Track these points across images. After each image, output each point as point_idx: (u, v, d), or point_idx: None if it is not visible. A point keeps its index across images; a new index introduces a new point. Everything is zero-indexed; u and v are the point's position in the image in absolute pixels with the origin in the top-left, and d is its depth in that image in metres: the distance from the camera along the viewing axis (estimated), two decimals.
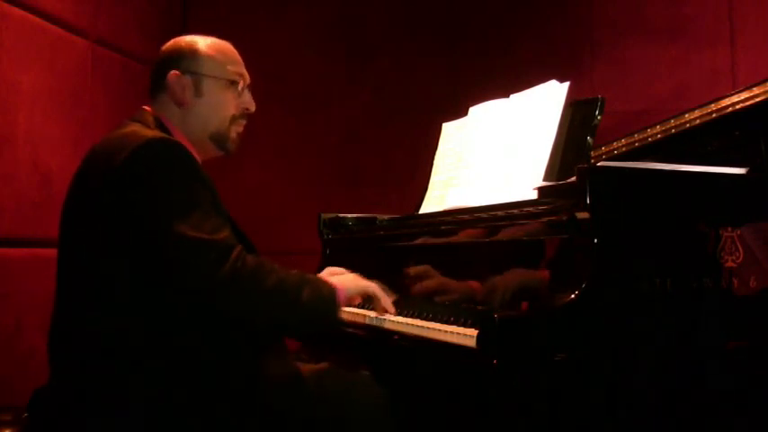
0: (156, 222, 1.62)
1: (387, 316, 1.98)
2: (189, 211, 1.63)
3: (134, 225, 1.63)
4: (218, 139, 1.94)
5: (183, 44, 1.94)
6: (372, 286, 1.97)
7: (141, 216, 1.63)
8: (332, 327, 1.85)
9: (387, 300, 1.99)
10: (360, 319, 2.06)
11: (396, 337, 1.92)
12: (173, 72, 1.89)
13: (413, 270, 2.23)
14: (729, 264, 1.69)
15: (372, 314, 2.02)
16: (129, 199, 1.64)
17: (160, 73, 1.92)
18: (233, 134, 1.96)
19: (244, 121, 1.99)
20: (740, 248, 1.70)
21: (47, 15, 3.02)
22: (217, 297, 1.62)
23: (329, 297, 1.79)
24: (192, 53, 1.92)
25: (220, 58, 1.95)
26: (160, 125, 1.85)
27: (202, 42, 1.95)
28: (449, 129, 2.56)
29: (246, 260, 1.64)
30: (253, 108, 2.00)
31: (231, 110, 1.95)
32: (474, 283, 1.99)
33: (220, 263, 1.60)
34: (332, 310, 1.80)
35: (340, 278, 1.91)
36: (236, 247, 1.65)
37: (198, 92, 1.91)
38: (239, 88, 1.96)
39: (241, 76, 1.97)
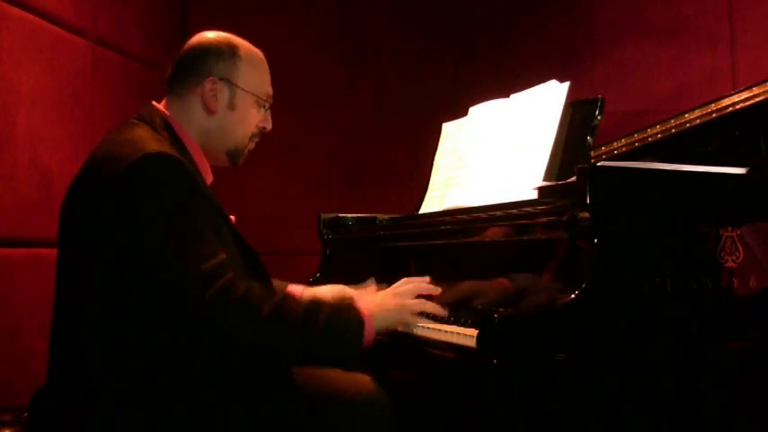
0: (145, 246, 1.58)
1: None
2: (177, 238, 1.58)
3: (125, 243, 1.60)
4: (234, 155, 1.92)
5: (223, 46, 1.87)
6: (410, 317, 1.82)
7: (131, 235, 1.60)
8: (351, 362, 1.73)
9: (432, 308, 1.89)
10: None
11: (396, 336, 1.92)
12: (211, 78, 1.84)
13: (413, 270, 2.23)
14: (729, 264, 1.69)
15: None
16: (122, 216, 1.61)
17: (194, 70, 1.85)
18: (246, 151, 1.94)
19: (257, 139, 1.97)
20: (740, 248, 1.70)
21: (47, 15, 3.02)
22: (204, 323, 1.58)
23: (354, 327, 1.68)
24: (232, 59, 1.86)
25: (259, 73, 1.91)
26: (168, 128, 1.80)
27: (243, 50, 1.89)
28: (449, 129, 2.56)
29: (235, 286, 1.58)
30: (269, 127, 1.97)
31: (252, 127, 1.92)
32: (474, 283, 1.99)
33: (204, 289, 1.55)
34: (353, 345, 1.69)
35: (373, 305, 1.78)
36: (224, 274, 1.59)
37: (231, 104, 1.86)
38: (266, 107, 1.95)
39: (270, 97, 1.95)
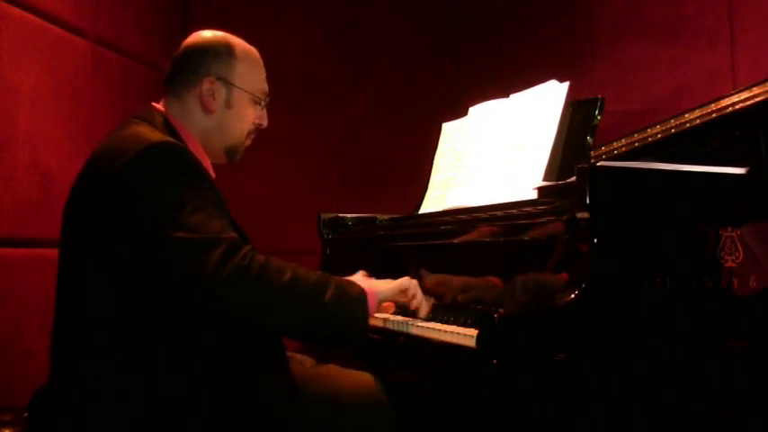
0: (158, 228, 1.59)
1: (387, 316, 1.98)
2: (192, 215, 1.60)
3: (136, 230, 1.62)
4: (232, 152, 1.94)
5: (220, 46, 1.89)
6: (408, 290, 1.87)
7: (143, 221, 1.61)
8: (359, 337, 1.72)
9: (420, 302, 1.91)
10: None
11: (397, 337, 1.92)
12: (208, 78, 1.85)
13: (412, 270, 2.23)
14: (729, 264, 1.69)
15: None
16: (131, 204, 1.63)
17: (192, 70, 1.86)
18: (243, 147, 1.96)
19: (254, 135, 1.98)
20: (740, 248, 1.70)
21: (47, 15, 3.02)
22: (223, 295, 1.58)
23: (357, 299, 1.70)
24: (229, 58, 1.88)
25: (255, 72, 1.93)
26: (168, 126, 1.82)
27: (239, 49, 1.90)
28: (449, 129, 2.56)
29: (255, 257, 1.61)
30: (266, 124, 1.99)
31: (249, 125, 1.94)
32: (474, 283, 1.99)
33: (225, 259, 1.57)
34: (360, 315, 1.70)
35: (371, 282, 1.83)
36: (243, 245, 1.63)
37: (228, 103, 1.88)
38: (262, 104, 1.96)
39: (266, 94, 1.96)
